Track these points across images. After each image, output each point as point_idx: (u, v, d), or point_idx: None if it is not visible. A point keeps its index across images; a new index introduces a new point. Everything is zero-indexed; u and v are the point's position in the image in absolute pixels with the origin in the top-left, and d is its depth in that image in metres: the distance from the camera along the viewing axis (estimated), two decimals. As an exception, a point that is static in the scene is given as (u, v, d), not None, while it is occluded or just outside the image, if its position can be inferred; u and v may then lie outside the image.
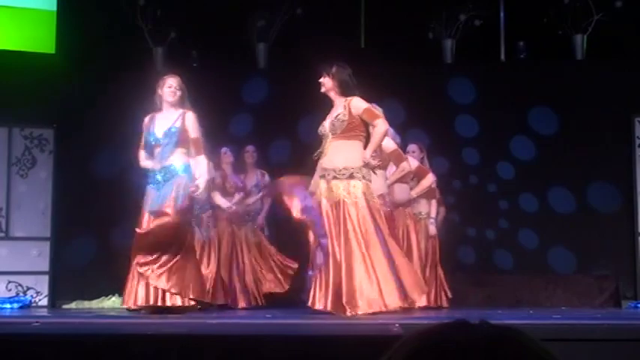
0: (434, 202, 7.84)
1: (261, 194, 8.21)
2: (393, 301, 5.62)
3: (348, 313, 5.48)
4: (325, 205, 5.81)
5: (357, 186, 5.80)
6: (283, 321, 5.27)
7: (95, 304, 8.14)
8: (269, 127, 8.75)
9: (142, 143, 6.32)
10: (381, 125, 5.86)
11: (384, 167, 6.85)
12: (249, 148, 8.30)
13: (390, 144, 6.79)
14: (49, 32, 8.89)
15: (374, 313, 5.48)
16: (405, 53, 8.89)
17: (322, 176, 5.88)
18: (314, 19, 8.78)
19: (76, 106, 8.78)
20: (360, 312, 5.49)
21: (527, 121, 8.97)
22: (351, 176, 5.82)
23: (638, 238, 8.66)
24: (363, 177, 5.84)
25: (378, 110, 6.22)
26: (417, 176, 7.57)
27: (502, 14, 9.14)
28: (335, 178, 5.84)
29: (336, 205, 5.79)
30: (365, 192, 5.80)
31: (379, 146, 6.19)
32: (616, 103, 8.69)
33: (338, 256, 5.67)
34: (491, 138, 8.99)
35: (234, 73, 9.22)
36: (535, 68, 8.98)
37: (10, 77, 8.56)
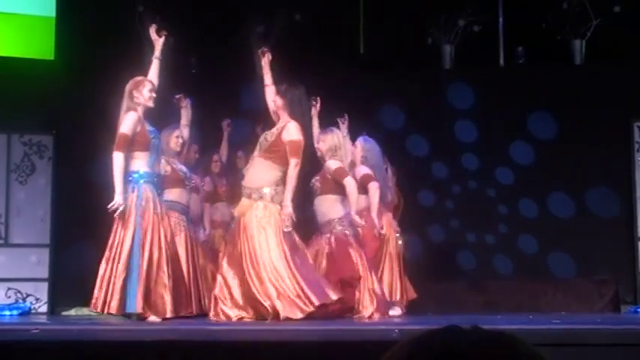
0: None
1: None
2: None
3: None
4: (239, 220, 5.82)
5: (259, 207, 5.73)
6: (283, 327, 5.27)
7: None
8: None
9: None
10: (293, 165, 5.69)
11: (338, 192, 6.49)
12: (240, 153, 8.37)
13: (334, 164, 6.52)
14: (48, 38, 8.88)
15: None
16: (404, 59, 8.89)
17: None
18: (313, 25, 8.78)
19: (75, 113, 8.76)
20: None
21: (526, 126, 8.98)
22: (259, 197, 5.75)
23: (638, 243, 8.66)
24: (271, 199, 5.75)
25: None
26: (361, 185, 6.80)
27: (501, 19, 9.14)
28: (248, 196, 5.80)
29: (240, 222, 5.79)
30: (266, 215, 5.73)
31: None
32: (615, 107, 8.69)
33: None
34: (490, 143, 8.99)
35: (233, 79, 9.22)
36: (534, 73, 8.98)
37: (9, 83, 8.55)
